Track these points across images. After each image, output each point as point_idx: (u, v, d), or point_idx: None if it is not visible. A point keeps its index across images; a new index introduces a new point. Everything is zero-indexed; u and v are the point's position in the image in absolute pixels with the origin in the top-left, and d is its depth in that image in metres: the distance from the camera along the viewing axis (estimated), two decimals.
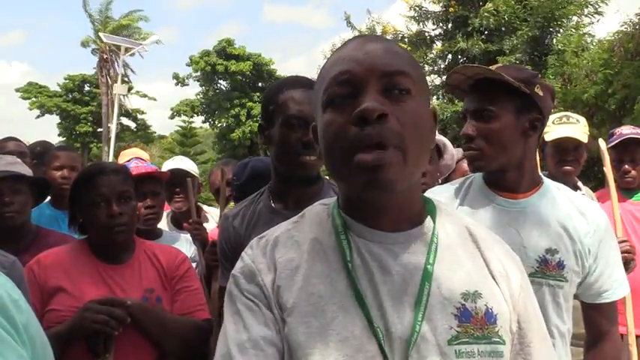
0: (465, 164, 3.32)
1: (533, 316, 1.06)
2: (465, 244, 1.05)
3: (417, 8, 15.45)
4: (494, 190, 1.75)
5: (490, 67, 1.71)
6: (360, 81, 0.95)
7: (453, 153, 3.21)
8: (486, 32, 14.20)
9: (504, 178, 1.73)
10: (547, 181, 1.79)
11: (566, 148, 2.84)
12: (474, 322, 0.96)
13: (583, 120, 2.98)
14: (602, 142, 2.72)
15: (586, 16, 13.79)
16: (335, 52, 1.04)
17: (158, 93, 55.53)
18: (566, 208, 1.72)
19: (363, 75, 0.95)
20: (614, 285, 1.73)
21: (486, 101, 1.69)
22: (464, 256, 1.03)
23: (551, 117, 2.85)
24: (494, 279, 1.03)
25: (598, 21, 13.71)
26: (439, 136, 2.80)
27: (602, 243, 1.70)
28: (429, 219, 1.05)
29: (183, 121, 32.47)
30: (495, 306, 0.99)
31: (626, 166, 3.13)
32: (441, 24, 15.50)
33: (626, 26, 10.90)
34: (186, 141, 31.30)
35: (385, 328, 0.94)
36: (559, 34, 13.61)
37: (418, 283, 0.97)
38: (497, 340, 0.97)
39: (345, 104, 0.95)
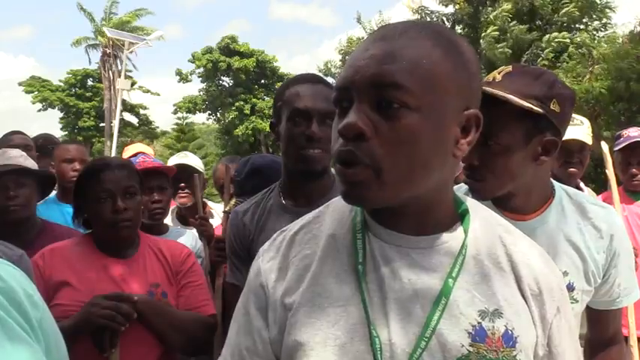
0: None
1: (567, 344, 0.98)
2: (495, 256, 0.97)
3: (421, 10, 15.25)
4: (500, 209, 1.54)
5: (497, 76, 1.48)
6: (353, 91, 0.90)
7: None
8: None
9: (511, 202, 1.55)
10: (558, 192, 1.61)
11: (570, 149, 2.84)
12: (488, 342, 0.90)
13: (587, 122, 2.97)
14: (604, 145, 2.71)
15: (595, 19, 13.72)
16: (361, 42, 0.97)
17: (164, 89, 55.65)
18: (577, 222, 1.58)
19: (356, 85, 0.89)
20: (624, 292, 1.66)
21: (490, 125, 1.32)
22: (491, 269, 0.95)
23: None
24: (524, 298, 0.95)
25: (605, 25, 13.64)
26: None
27: (615, 254, 1.59)
28: (459, 225, 0.98)
29: (179, 118, 32.62)
30: (518, 328, 0.92)
31: (634, 170, 3.12)
32: (447, 23, 15.33)
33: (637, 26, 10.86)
34: (183, 136, 31.34)
35: (388, 338, 0.89)
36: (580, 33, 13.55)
37: (434, 296, 0.91)
38: None
39: (342, 112, 0.91)
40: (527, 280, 0.96)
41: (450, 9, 15.32)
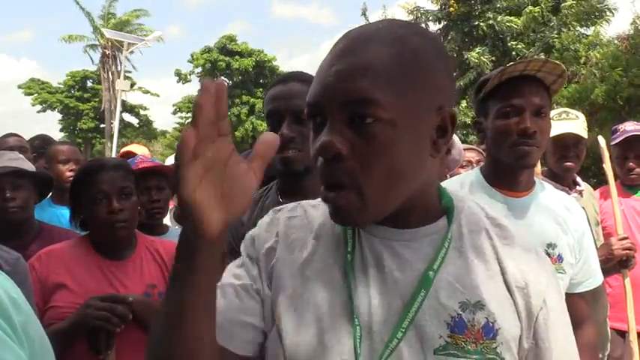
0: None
1: (556, 338, 0.97)
2: (480, 248, 0.97)
3: (415, 10, 15.05)
4: (498, 187, 1.79)
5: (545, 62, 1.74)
6: (324, 109, 0.88)
7: (461, 148, 3.23)
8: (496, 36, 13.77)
9: (522, 175, 1.77)
10: (537, 180, 1.86)
11: (566, 144, 2.84)
12: (467, 334, 0.90)
13: (582, 116, 2.97)
14: (601, 139, 2.72)
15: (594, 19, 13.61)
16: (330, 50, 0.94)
17: (165, 90, 55.84)
18: (556, 205, 1.80)
19: (326, 103, 0.88)
20: (592, 274, 1.84)
21: (542, 98, 1.72)
22: (475, 262, 0.95)
23: (551, 113, 2.85)
24: (508, 290, 0.95)
25: (601, 24, 13.54)
26: None
27: (583, 235, 1.81)
28: (443, 218, 0.98)
29: (180, 117, 32.69)
30: (500, 320, 0.92)
31: (631, 164, 3.12)
32: (440, 22, 15.10)
33: (636, 23, 10.80)
34: None
35: (369, 325, 0.91)
36: (562, 31, 13.43)
37: (413, 287, 0.92)
38: (493, 356, 0.90)
39: (317, 128, 0.91)
40: (512, 272, 0.96)
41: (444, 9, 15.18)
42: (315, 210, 1.05)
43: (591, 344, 1.83)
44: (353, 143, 0.86)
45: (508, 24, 13.24)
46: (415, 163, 0.90)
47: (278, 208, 1.09)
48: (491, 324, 0.91)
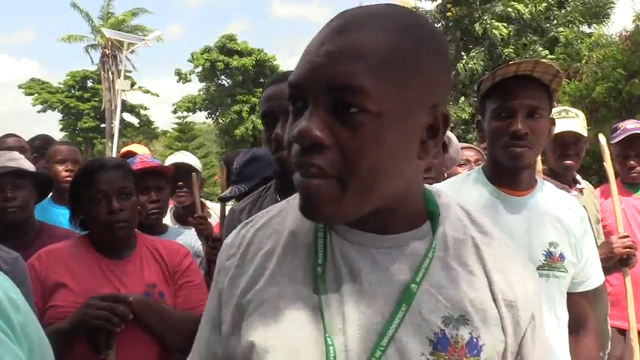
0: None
1: (541, 345, 0.93)
2: (465, 259, 0.89)
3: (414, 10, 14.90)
4: (497, 187, 1.79)
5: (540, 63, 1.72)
6: (306, 92, 0.80)
7: (458, 147, 3.24)
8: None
9: (522, 174, 1.77)
10: (539, 179, 1.86)
11: (566, 142, 2.85)
12: (451, 351, 0.83)
13: (581, 114, 2.98)
14: (602, 138, 2.72)
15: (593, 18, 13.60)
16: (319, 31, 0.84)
17: (165, 90, 55.94)
18: (557, 204, 1.80)
19: (310, 86, 0.79)
20: (594, 273, 1.84)
21: (537, 99, 1.71)
22: (460, 272, 0.88)
23: None
24: (495, 303, 0.88)
25: (603, 21, 13.53)
26: None
27: (585, 234, 1.81)
28: (427, 224, 0.90)
29: (178, 117, 32.79)
30: (484, 335, 0.86)
31: (632, 162, 3.12)
32: (438, 22, 15.02)
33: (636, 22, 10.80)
34: (183, 136, 31.48)
35: (344, 345, 0.83)
36: (566, 27, 13.41)
37: (394, 301, 0.84)
38: None
39: (297, 112, 0.82)
40: (499, 284, 0.89)
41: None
42: (284, 217, 0.96)
43: (592, 351, 1.82)
44: (335, 132, 0.78)
45: (495, 30, 13.28)
46: (400, 162, 0.82)
47: (247, 221, 1.01)
48: (475, 340, 0.85)
